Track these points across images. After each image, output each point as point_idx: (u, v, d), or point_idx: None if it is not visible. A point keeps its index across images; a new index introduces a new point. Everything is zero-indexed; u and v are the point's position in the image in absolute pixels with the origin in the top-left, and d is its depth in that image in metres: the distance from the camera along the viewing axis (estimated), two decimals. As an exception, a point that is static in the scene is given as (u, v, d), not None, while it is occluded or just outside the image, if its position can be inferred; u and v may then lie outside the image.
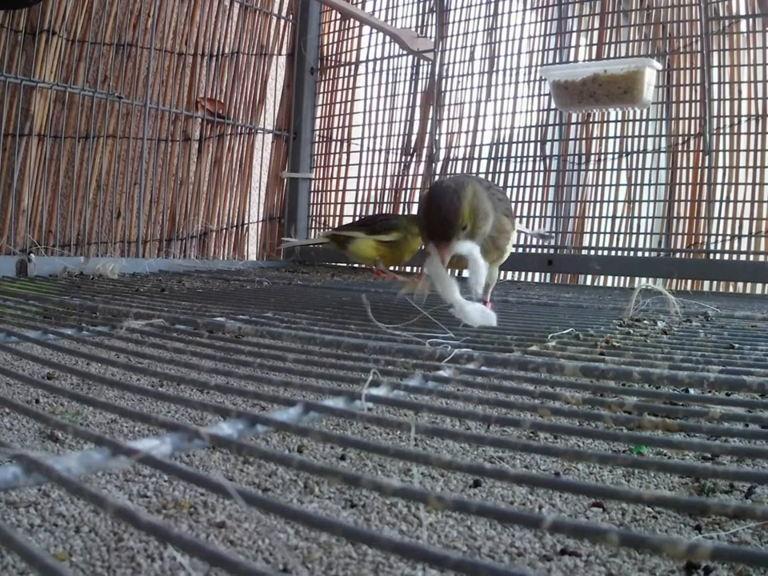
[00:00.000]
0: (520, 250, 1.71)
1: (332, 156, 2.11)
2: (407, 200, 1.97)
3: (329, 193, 2.11)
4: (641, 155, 1.62)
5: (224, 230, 1.91)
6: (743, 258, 1.49)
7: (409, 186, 1.96)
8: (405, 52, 1.88)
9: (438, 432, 0.38)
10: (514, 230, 0.83)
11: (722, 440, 0.50)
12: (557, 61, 1.72)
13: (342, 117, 2.09)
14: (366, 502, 0.51)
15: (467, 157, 1.86)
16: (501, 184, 1.78)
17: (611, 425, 0.36)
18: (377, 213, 1.98)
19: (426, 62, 1.90)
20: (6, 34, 1.43)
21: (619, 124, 1.65)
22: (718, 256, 1.51)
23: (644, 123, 1.62)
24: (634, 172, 1.63)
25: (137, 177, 1.68)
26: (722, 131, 1.51)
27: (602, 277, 1.66)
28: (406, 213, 1.92)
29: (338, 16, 2.05)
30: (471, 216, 0.70)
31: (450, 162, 1.89)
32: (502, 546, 0.45)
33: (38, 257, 1.37)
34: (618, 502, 0.51)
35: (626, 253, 1.64)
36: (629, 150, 1.64)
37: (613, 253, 1.64)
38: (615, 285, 1.64)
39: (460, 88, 1.87)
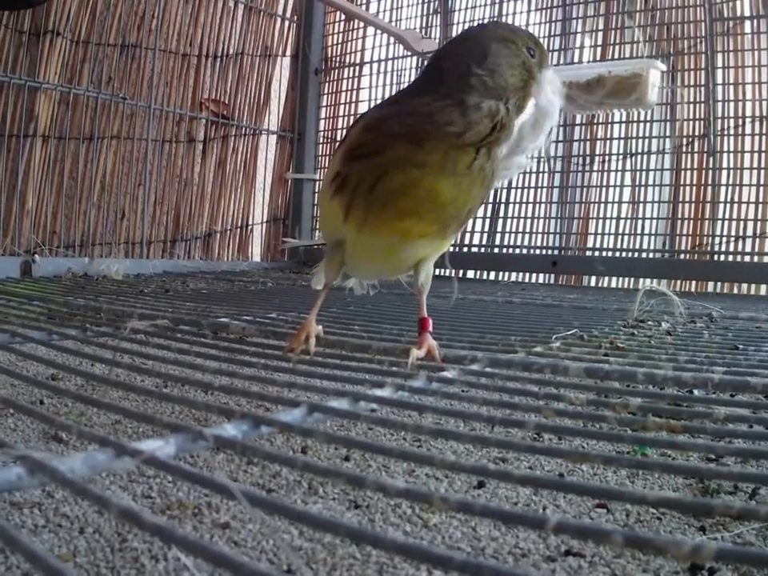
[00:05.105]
0: (524, 251, 1.71)
1: (336, 157, 2.10)
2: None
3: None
4: (645, 156, 1.61)
5: (228, 231, 1.92)
6: (747, 259, 1.49)
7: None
8: (409, 53, 1.88)
9: (442, 433, 0.38)
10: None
11: (726, 441, 0.50)
12: (561, 62, 1.72)
13: (346, 118, 2.09)
14: (370, 502, 0.51)
15: (471, 158, 1.86)
16: (505, 184, 1.77)
17: (615, 426, 0.36)
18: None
19: (429, 63, 1.90)
20: (10, 35, 1.44)
21: (623, 125, 1.65)
22: (722, 257, 1.51)
23: (648, 124, 1.61)
24: (638, 173, 1.62)
25: (141, 178, 1.68)
26: (726, 132, 1.50)
27: (606, 278, 1.65)
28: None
29: (342, 17, 2.05)
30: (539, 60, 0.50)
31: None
32: (506, 546, 0.45)
33: (43, 258, 1.37)
34: (622, 503, 0.51)
35: (630, 254, 1.63)
36: (633, 151, 1.63)
37: (617, 254, 1.64)
38: (619, 286, 1.64)
39: (464, 89, 1.86)
